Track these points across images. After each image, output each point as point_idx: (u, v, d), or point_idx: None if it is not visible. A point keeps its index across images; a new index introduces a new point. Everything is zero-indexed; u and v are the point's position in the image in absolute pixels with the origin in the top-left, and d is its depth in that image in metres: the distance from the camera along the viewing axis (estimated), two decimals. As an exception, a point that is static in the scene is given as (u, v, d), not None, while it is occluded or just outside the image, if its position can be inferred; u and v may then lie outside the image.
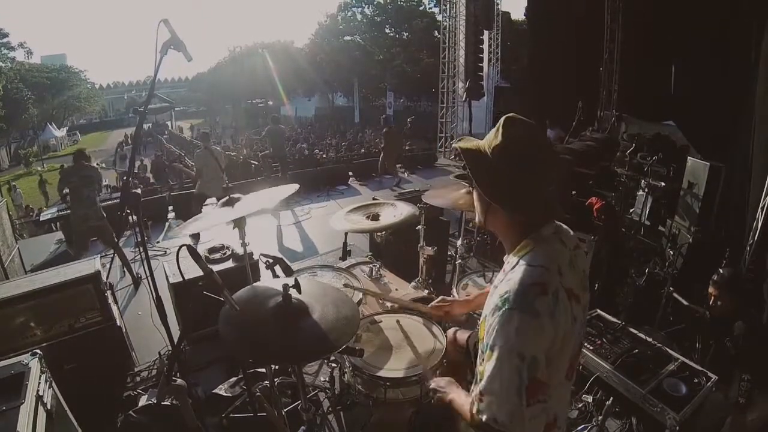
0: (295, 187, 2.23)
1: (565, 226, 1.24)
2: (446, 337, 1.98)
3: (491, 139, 1.15)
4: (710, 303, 2.45)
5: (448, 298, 1.96)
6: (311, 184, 9.02)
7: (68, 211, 5.10)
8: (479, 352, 1.18)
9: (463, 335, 1.92)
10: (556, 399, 1.13)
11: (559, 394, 1.14)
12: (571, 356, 1.14)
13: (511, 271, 1.11)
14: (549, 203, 1.15)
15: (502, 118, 1.15)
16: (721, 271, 2.43)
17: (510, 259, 1.17)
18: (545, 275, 1.05)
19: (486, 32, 9.83)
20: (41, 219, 8.26)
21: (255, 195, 2.19)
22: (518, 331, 0.99)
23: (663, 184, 4.71)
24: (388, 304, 2.47)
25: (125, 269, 4.76)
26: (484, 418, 1.03)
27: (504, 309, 1.02)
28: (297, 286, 1.43)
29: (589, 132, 7.47)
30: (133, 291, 4.58)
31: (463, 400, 1.25)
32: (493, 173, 1.12)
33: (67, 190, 4.64)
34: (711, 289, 2.43)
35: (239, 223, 2.10)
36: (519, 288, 1.03)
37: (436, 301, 1.94)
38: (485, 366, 1.04)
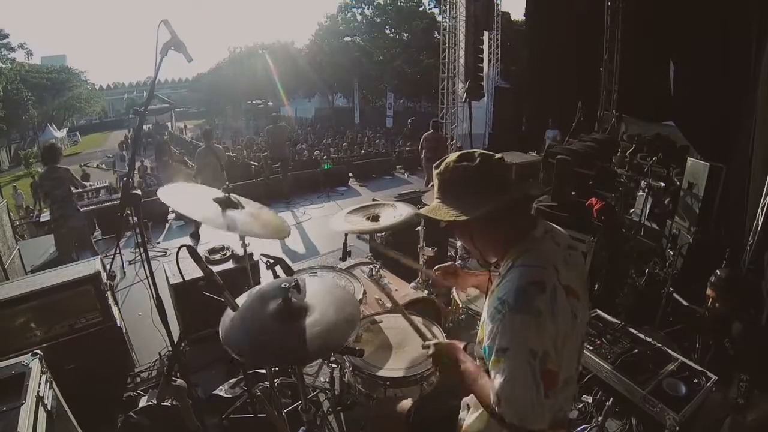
0: (288, 230, 2.15)
1: (556, 227, 1.26)
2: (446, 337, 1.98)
3: (436, 184, 1.25)
4: (708, 305, 2.44)
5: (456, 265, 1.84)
6: (311, 184, 9.02)
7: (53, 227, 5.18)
8: (484, 354, 1.18)
9: (458, 346, 1.87)
10: (566, 396, 1.14)
11: (568, 392, 1.15)
12: (577, 353, 1.15)
13: (507, 273, 1.12)
14: (519, 201, 1.19)
15: (435, 165, 1.26)
16: (718, 272, 2.42)
17: (505, 263, 1.19)
18: (542, 273, 1.07)
19: (486, 33, 9.83)
20: (41, 220, 8.27)
21: (250, 211, 2.13)
22: (523, 330, 1.00)
23: (663, 184, 4.71)
24: (389, 304, 2.47)
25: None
26: (506, 419, 1.02)
27: (504, 312, 1.03)
28: (297, 286, 1.43)
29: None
30: (133, 291, 4.58)
31: (480, 381, 1.17)
32: (452, 205, 1.17)
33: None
34: (708, 291, 2.42)
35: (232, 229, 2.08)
36: (517, 288, 1.04)
37: (444, 265, 1.84)
38: (496, 370, 1.04)
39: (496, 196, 1.14)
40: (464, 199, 1.16)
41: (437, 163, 1.25)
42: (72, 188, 4.80)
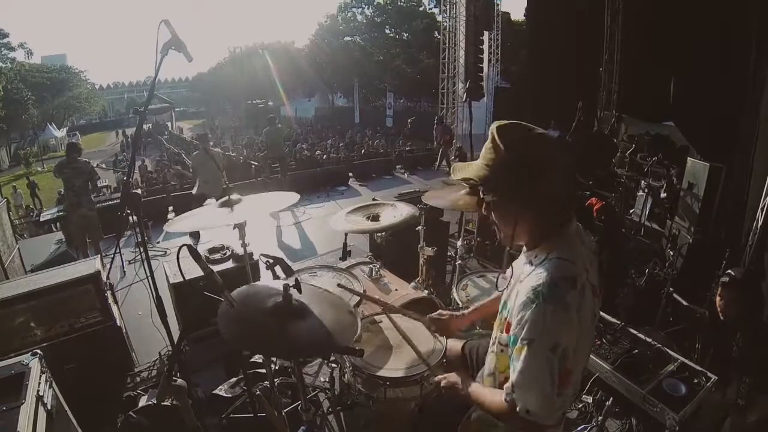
0: (296, 197, 2.21)
1: (582, 227, 1.25)
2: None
3: (489, 153, 1.13)
4: (722, 306, 2.29)
5: (445, 313, 1.85)
6: (311, 184, 9.02)
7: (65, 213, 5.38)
8: (502, 344, 1.21)
9: (456, 344, 1.89)
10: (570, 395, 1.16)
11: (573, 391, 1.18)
12: (588, 352, 1.19)
13: (541, 265, 1.12)
14: (569, 197, 1.18)
15: (493, 128, 1.13)
16: (732, 272, 2.30)
17: (538, 254, 1.17)
18: (574, 269, 1.08)
19: (486, 33, 9.82)
20: (41, 219, 8.26)
21: (254, 198, 2.18)
22: (552, 323, 1.01)
23: (663, 184, 4.72)
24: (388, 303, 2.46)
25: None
26: (517, 408, 1.05)
27: (538, 302, 1.04)
28: (297, 286, 1.42)
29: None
30: (133, 291, 4.58)
31: (483, 391, 1.27)
32: (510, 184, 1.11)
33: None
34: (722, 292, 2.29)
35: (239, 224, 2.10)
36: (551, 281, 1.05)
37: (435, 313, 1.85)
38: (516, 359, 1.06)
39: (561, 185, 1.10)
40: (525, 178, 1.09)
41: (501, 125, 1.12)
42: (90, 183, 5.14)
